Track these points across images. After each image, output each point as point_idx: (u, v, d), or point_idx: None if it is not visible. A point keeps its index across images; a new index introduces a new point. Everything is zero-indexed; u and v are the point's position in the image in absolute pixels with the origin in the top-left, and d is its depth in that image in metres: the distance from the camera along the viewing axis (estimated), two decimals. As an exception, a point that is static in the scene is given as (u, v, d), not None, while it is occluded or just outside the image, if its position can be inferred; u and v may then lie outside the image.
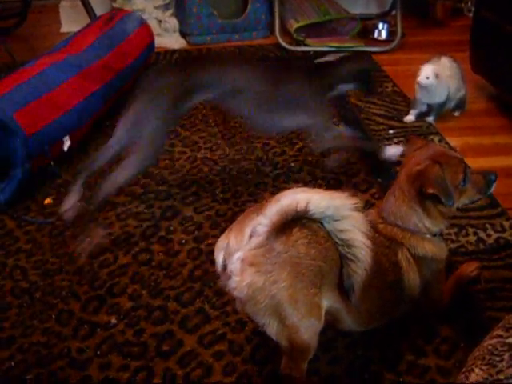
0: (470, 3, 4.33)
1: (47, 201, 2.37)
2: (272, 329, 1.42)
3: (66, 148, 2.54)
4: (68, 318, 1.81)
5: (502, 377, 1.08)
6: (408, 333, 1.71)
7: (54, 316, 1.82)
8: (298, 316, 1.41)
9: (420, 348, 1.66)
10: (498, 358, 1.10)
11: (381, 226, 1.66)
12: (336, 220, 1.39)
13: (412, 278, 1.65)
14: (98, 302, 1.87)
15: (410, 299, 1.66)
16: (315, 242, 1.40)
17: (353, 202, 1.39)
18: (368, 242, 1.42)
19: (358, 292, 1.47)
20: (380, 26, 4.18)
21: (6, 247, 2.13)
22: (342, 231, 1.40)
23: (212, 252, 2.00)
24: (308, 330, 1.43)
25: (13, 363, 1.67)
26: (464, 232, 2.11)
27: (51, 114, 2.47)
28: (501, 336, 1.15)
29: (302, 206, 1.35)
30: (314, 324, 1.44)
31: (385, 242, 1.63)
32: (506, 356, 1.09)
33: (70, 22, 4.35)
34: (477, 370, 1.11)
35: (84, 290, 1.92)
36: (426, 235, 1.66)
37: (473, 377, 1.12)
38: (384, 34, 4.16)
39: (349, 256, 1.42)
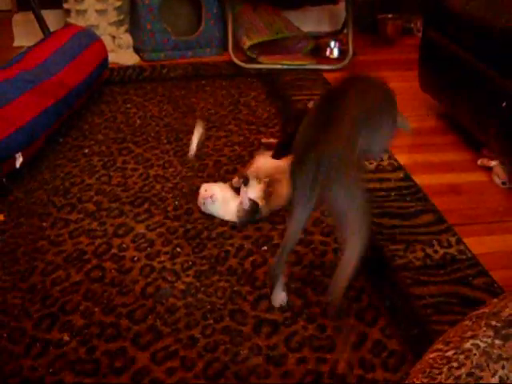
0: (418, 23, 4.44)
1: (-1, 218, 2.36)
2: None
3: (18, 165, 2.52)
4: (20, 336, 1.80)
5: (441, 389, 1.12)
6: (357, 347, 1.74)
7: (5, 335, 1.81)
8: None
9: (368, 362, 1.70)
10: (437, 371, 1.14)
11: None
12: None
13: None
14: (51, 319, 1.86)
15: None
16: None
17: None
18: None
19: None
20: (332, 44, 4.24)
21: (-44, 265, 2.11)
22: None
23: (164, 269, 2.03)
24: None
25: (-37, 383, 1.65)
26: (411, 248, 2.16)
27: (3, 130, 2.45)
28: (440, 350, 1.19)
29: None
30: None
31: None
32: (445, 369, 1.13)
33: (23, 36, 4.32)
34: (417, 383, 1.15)
35: (36, 308, 1.91)
36: None
37: (414, 389, 1.16)
38: (336, 53, 4.22)
39: None
